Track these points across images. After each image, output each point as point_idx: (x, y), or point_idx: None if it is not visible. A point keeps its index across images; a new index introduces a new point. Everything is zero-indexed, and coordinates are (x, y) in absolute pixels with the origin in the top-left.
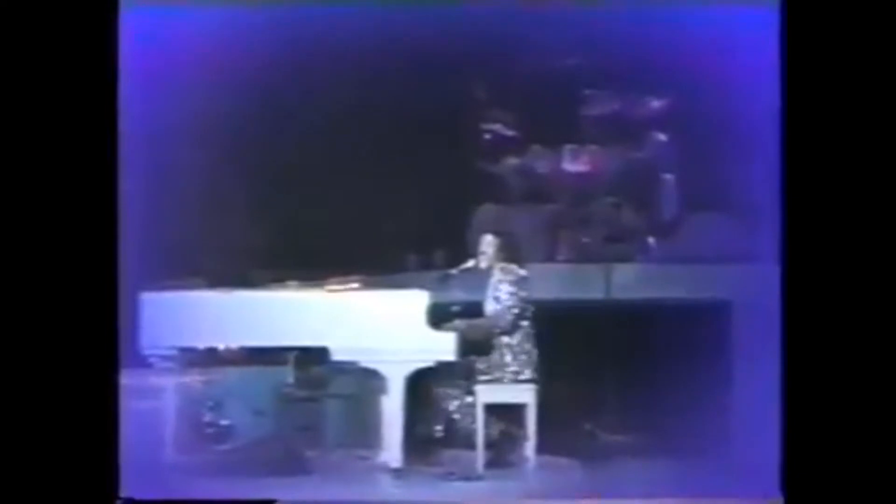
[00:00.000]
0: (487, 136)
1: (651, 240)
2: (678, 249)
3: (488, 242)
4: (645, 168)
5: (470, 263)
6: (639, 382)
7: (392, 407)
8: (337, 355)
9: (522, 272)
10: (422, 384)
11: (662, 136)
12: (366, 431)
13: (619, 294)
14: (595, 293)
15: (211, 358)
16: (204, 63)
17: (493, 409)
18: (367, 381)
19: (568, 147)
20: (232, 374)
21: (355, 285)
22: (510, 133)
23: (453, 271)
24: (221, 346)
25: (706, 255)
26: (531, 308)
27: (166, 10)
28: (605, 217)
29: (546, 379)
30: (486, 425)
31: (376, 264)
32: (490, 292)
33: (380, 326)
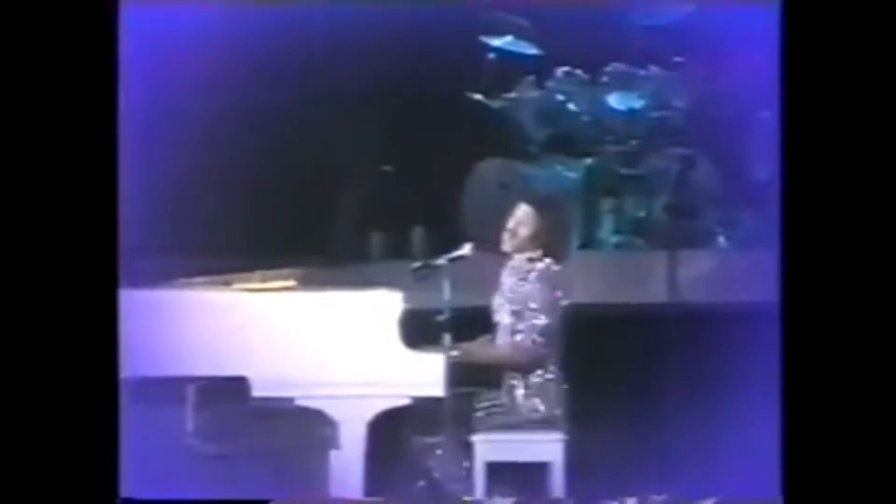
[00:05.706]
0: (492, 56)
1: (739, 214)
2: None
3: (492, 218)
4: (732, 104)
5: (465, 250)
6: (714, 425)
7: (346, 465)
8: (260, 389)
9: (546, 262)
10: (392, 432)
11: (750, 58)
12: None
13: (688, 295)
14: (654, 294)
15: None
16: (204, 62)
17: (500, 471)
18: (309, 427)
19: (610, 70)
20: None
21: (289, 282)
22: (525, 50)
23: (440, 261)
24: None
25: None
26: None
27: (166, 9)
28: (669, 180)
29: (579, 425)
30: (490, 494)
31: (323, 249)
32: (495, 293)
33: (327, 345)
